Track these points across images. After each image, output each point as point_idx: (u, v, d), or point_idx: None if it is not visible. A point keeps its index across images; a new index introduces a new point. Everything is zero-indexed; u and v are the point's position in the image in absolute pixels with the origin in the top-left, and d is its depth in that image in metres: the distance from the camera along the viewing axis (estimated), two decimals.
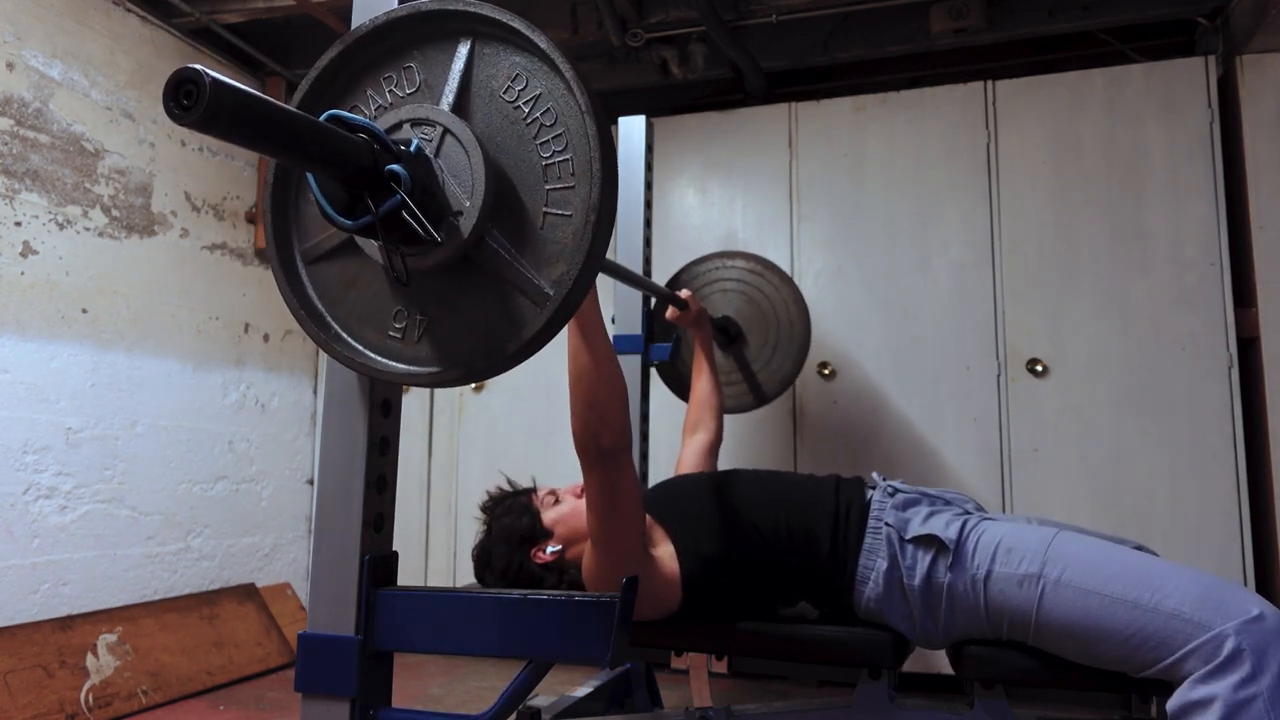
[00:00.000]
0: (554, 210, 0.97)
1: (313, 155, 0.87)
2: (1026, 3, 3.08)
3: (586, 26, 3.23)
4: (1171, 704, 1.18)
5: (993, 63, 3.40)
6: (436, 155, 0.99)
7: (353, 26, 1.33)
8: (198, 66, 0.72)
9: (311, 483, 3.76)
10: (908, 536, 1.40)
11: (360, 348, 1.06)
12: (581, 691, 1.80)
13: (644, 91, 3.63)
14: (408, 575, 3.26)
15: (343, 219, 0.94)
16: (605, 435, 1.27)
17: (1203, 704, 1.13)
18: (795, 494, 1.55)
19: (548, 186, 0.98)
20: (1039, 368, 2.87)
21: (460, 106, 1.02)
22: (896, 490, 1.50)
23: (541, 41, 0.97)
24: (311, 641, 1.23)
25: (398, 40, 1.07)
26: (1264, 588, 2.66)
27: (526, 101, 1.00)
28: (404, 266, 0.98)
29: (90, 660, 2.61)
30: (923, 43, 3.19)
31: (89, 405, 2.80)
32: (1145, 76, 2.90)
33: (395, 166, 0.93)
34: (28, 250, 2.64)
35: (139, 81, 3.04)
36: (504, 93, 1.01)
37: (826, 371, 3.03)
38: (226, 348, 3.37)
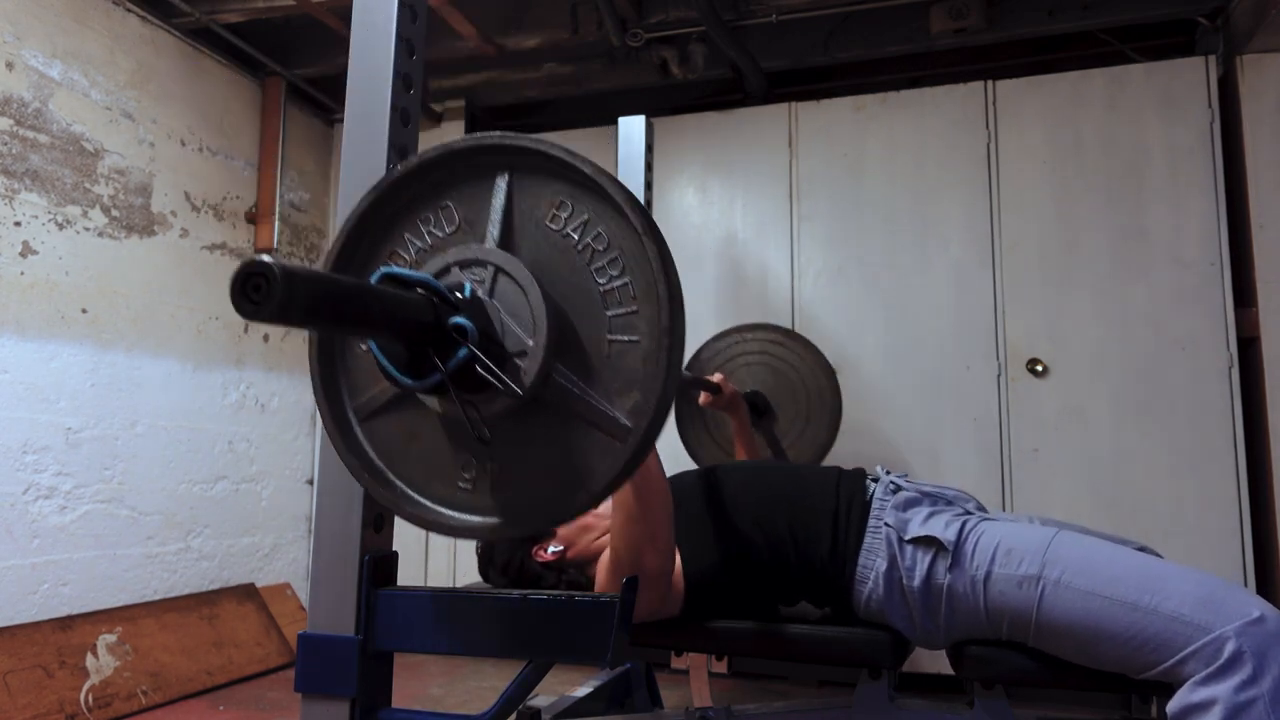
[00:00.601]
0: (619, 337, 0.94)
1: (381, 325, 0.84)
2: (1026, 3, 3.08)
3: (586, 26, 3.23)
4: (1172, 706, 1.17)
5: (993, 63, 3.40)
6: (490, 296, 0.96)
7: (353, 29, 1.33)
8: (267, 259, 0.69)
9: (311, 483, 3.76)
10: (907, 537, 1.40)
11: (430, 504, 1.01)
12: (581, 691, 1.80)
13: (644, 91, 3.63)
14: (408, 575, 3.26)
15: (407, 379, 0.90)
16: (650, 555, 1.27)
17: (1203, 706, 1.13)
18: (796, 490, 1.54)
19: (609, 313, 0.94)
20: (1039, 368, 2.87)
21: (506, 242, 0.98)
22: (899, 488, 1.49)
23: (585, 167, 0.93)
24: (311, 641, 1.23)
25: (432, 181, 1.04)
26: (1264, 588, 2.66)
27: (575, 228, 0.96)
28: (481, 422, 0.94)
29: (90, 660, 2.61)
30: (923, 43, 3.19)
31: (89, 405, 2.80)
32: (1145, 76, 2.90)
33: (459, 319, 0.89)
34: (28, 250, 2.64)
35: (139, 81, 3.04)
36: (549, 221, 0.98)
37: None
38: (226, 348, 3.37)
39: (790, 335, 2.53)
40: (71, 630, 2.63)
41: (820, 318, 3.09)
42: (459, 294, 0.93)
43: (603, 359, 0.94)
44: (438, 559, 3.46)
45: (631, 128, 2.54)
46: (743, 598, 1.50)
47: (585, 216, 0.96)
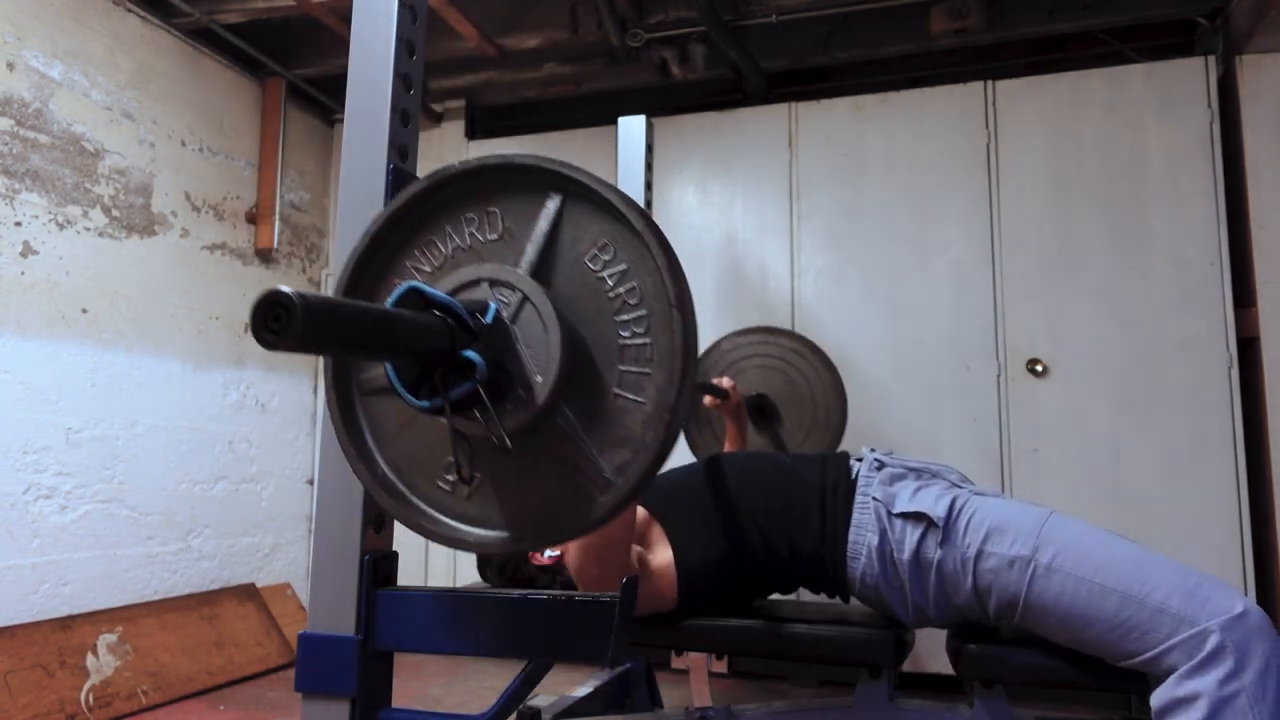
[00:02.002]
0: (626, 394, 0.93)
1: (399, 351, 0.85)
2: (1026, 3, 3.08)
3: (586, 26, 3.23)
4: (1156, 700, 1.19)
5: (993, 63, 3.40)
6: (513, 321, 0.96)
7: (353, 28, 1.33)
8: (286, 289, 0.70)
9: (311, 483, 3.76)
10: (895, 511, 1.40)
11: (409, 495, 1.03)
12: (581, 691, 1.80)
13: (644, 91, 3.63)
14: (408, 575, 3.26)
15: (411, 396, 0.90)
16: (591, 567, 1.33)
17: (1188, 700, 1.15)
18: (783, 476, 1.55)
19: (622, 367, 0.94)
20: (1039, 368, 2.87)
21: (542, 266, 0.98)
22: (883, 464, 1.49)
23: (637, 221, 0.92)
24: (311, 641, 1.23)
25: (484, 183, 1.03)
26: (1263, 587, 2.66)
27: (612, 275, 0.95)
28: (470, 467, 0.96)
29: (90, 660, 2.61)
30: (923, 43, 3.19)
31: (89, 405, 2.80)
32: (1145, 76, 2.90)
33: (471, 354, 0.89)
34: (28, 250, 2.64)
35: (139, 81, 3.04)
36: (588, 259, 0.97)
37: None
38: (226, 348, 3.37)
39: (813, 349, 2.52)
40: (72, 630, 2.63)
41: (820, 318, 3.09)
42: (480, 316, 0.93)
43: (605, 409, 0.94)
44: (438, 559, 3.46)
45: (631, 128, 2.54)
46: (738, 590, 1.50)
47: (624, 266, 0.95)
